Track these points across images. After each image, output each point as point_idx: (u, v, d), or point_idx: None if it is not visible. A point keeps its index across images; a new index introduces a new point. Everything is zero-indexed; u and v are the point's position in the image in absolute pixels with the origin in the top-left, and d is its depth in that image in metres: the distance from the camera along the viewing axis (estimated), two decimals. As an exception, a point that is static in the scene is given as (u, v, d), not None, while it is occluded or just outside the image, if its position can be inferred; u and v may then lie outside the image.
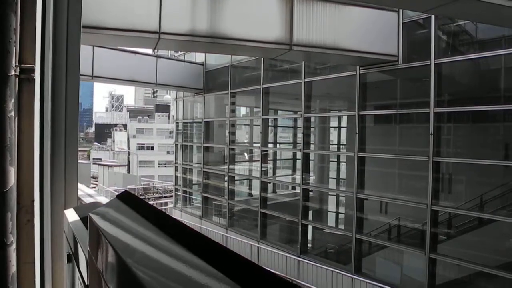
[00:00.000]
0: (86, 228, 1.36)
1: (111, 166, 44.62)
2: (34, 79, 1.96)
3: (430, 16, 11.05)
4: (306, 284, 13.44)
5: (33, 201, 1.90)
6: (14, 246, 1.63)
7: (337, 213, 15.60)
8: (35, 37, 1.98)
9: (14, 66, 1.73)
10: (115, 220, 1.01)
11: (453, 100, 11.37)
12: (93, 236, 1.04)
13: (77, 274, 1.38)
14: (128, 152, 57.58)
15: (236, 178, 19.82)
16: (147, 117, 73.76)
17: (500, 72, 10.67)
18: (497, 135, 10.95)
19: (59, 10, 2.14)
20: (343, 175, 15.23)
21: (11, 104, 1.67)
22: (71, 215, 1.66)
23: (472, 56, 11.00)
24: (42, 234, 1.90)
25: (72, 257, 1.48)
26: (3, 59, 1.63)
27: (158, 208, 1.14)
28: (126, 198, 1.06)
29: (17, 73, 1.86)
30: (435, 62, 10.99)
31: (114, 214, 1.03)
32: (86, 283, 1.21)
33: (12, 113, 1.69)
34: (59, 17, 2.14)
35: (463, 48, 11.66)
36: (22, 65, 1.91)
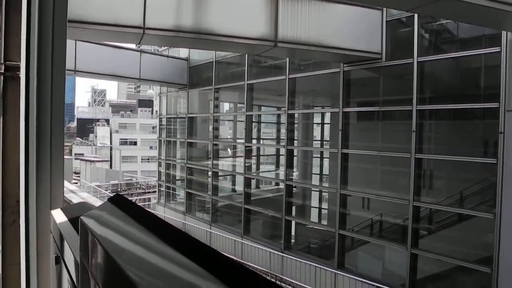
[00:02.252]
0: (76, 230, 1.34)
1: (93, 161, 44.18)
2: (20, 77, 1.93)
3: (413, 15, 11.16)
4: (290, 280, 13.54)
5: (18, 201, 1.87)
6: (-1, 247, 1.61)
7: (320, 209, 15.74)
8: (20, 34, 1.95)
9: (-1, 64, 1.70)
10: (107, 224, 1.01)
11: (435, 98, 11.54)
12: (85, 239, 1.03)
13: (66, 276, 1.37)
14: (111, 147, 56.95)
15: (220, 173, 19.80)
16: (130, 112, 73.02)
17: (481, 70, 10.87)
18: (477, 133, 11.16)
19: (45, 6, 2.10)
20: (326, 171, 15.35)
21: (-4, 103, 1.64)
22: (58, 216, 1.63)
23: (453, 54, 11.16)
24: (28, 235, 1.86)
25: (61, 259, 1.46)
26: (-12, 58, 1.60)
27: (149, 210, 1.14)
28: (118, 201, 1.05)
29: (2, 71, 1.83)
30: (418, 60, 11.12)
31: (107, 218, 1.03)
32: (76, 286, 1.21)
33: (-3, 112, 1.66)
34: (44, 13, 2.09)
35: (445, 47, 11.83)
36: (7, 62, 1.87)
